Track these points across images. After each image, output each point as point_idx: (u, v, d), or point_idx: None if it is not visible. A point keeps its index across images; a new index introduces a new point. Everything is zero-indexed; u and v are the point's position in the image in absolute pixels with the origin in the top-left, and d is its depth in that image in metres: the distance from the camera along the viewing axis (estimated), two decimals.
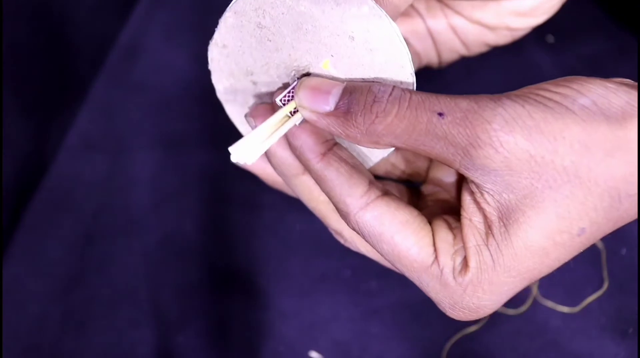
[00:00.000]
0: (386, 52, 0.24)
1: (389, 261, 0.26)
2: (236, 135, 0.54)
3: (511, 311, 0.42)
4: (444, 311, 0.26)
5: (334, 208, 0.27)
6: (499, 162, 0.22)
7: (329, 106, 0.24)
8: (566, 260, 0.24)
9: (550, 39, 0.54)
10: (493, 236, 0.23)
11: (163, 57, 0.56)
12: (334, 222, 0.28)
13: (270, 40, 0.26)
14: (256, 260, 0.46)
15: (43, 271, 0.47)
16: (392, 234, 0.25)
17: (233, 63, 0.28)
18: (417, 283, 0.26)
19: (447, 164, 0.23)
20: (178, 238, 0.48)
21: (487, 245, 0.24)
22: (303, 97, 0.24)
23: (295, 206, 0.48)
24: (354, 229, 0.26)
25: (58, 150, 0.52)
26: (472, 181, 0.23)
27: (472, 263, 0.24)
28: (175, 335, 0.44)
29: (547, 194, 0.22)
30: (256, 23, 0.26)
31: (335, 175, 0.25)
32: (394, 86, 0.24)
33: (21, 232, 0.48)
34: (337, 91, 0.24)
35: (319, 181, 0.26)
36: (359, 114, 0.23)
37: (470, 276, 0.24)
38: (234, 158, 0.25)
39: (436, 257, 0.25)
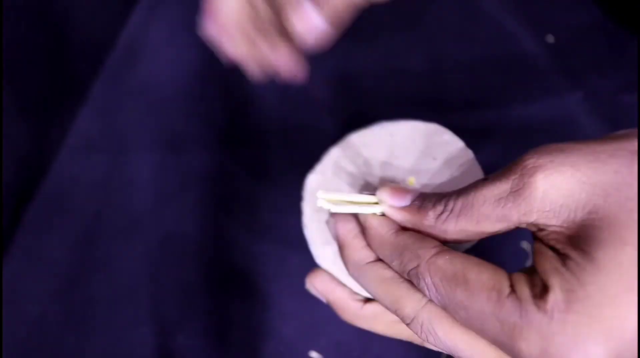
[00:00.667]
0: (464, 172, 0.30)
1: (463, 311, 0.24)
2: (235, 135, 0.54)
3: None
4: None
5: (407, 288, 0.26)
6: (549, 186, 0.22)
7: (406, 202, 0.27)
8: None
9: (550, 39, 0.54)
10: (571, 259, 0.22)
11: (163, 57, 0.56)
12: (409, 303, 0.27)
13: (363, 172, 0.32)
14: (256, 260, 0.46)
15: (43, 271, 0.47)
16: (465, 271, 0.24)
17: (324, 188, 0.32)
18: (496, 329, 0.23)
19: (509, 223, 0.24)
20: (178, 238, 0.48)
21: (566, 266, 0.22)
22: (384, 194, 0.28)
23: (295, 206, 0.48)
24: (426, 283, 0.25)
25: (58, 150, 0.52)
26: (534, 225, 0.23)
27: (554, 282, 0.22)
28: (175, 335, 0.44)
29: (614, 199, 0.21)
30: (352, 158, 0.32)
31: (409, 237, 0.27)
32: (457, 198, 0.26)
33: (21, 232, 0.48)
34: (414, 193, 0.28)
35: (393, 249, 0.27)
36: (430, 211, 0.26)
37: (555, 297, 0.21)
38: (319, 203, 0.28)
39: (513, 286, 0.23)
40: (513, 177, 0.23)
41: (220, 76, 0.54)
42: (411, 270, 0.25)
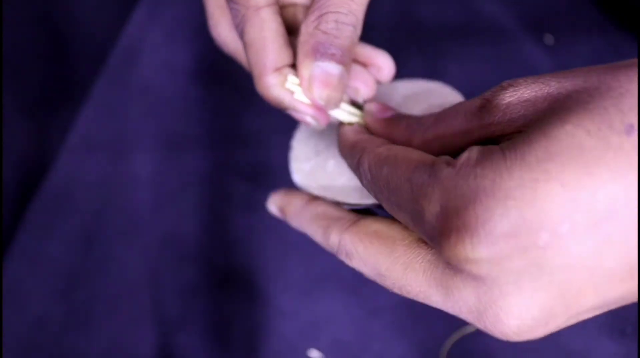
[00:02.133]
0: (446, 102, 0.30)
1: (386, 191, 0.24)
2: (235, 135, 0.54)
3: None
4: (435, 227, 0.20)
5: (334, 218, 0.28)
6: (514, 99, 0.22)
7: (390, 114, 0.29)
8: (614, 168, 0.18)
9: (549, 39, 0.54)
10: (506, 139, 0.21)
11: (163, 57, 0.56)
12: (334, 229, 0.27)
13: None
14: (256, 260, 0.46)
15: (43, 271, 0.47)
16: (398, 153, 0.24)
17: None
18: (407, 195, 0.22)
19: (471, 138, 0.23)
20: (178, 238, 0.48)
21: (497, 142, 0.21)
22: (372, 105, 0.30)
23: None
24: (363, 169, 0.25)
25: (58, 150, 0.52)
26: (495, 141, 0.23)
27: (473, 148, 0.21)
28: (175, 335, 0.44)
29: (573, 98, 0.20)
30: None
31: (368, 136, 0.28)
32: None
33: (22, 232, 0.48)
34: (400, 112, 0.29)
35: (351, 146, 0.28)
36: (404, 120, 0.27)
37: (468, 154, 0.20)
38: (288, 85, 0.29)
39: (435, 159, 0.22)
40: (487, 93, 0.23)
41: (220, 76, 0.54)
42: (356, 161, 0.26)
